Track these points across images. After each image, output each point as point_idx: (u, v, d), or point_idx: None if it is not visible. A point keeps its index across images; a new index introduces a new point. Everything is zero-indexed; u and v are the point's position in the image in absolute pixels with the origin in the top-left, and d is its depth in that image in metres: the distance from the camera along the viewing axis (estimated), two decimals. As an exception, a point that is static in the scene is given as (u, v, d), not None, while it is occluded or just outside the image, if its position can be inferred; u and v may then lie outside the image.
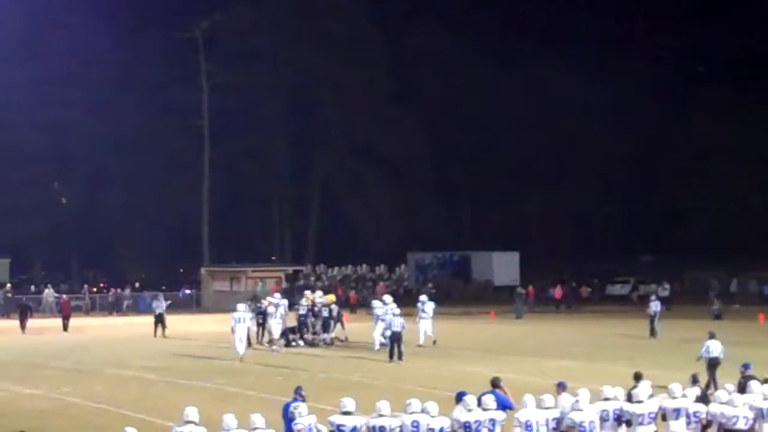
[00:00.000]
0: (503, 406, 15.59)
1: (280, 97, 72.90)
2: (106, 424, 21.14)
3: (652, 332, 39.24)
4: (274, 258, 72.44)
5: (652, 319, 39.49)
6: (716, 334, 25.40)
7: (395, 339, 31.71)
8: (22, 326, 43.92)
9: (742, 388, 16.93)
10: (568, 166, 76.77)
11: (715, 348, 24.73)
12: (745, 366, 19.53)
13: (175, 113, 67.90)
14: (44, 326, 45.80)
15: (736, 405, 15.58)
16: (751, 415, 15.58)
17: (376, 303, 35.73)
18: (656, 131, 77.65)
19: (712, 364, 24.43)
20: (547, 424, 14.98)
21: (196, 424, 13.96)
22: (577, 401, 15.36)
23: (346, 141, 72.55)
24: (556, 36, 75.77)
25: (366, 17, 72.87)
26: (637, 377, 17.76)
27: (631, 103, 76.22)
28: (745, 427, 15.47)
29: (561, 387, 16.53)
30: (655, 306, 39.82)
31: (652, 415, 15.52)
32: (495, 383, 16.76)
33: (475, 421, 14.81)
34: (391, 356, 31.45)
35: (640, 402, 15.63)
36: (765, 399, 16.00)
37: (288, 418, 15.20)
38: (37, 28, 65.62)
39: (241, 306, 33.88)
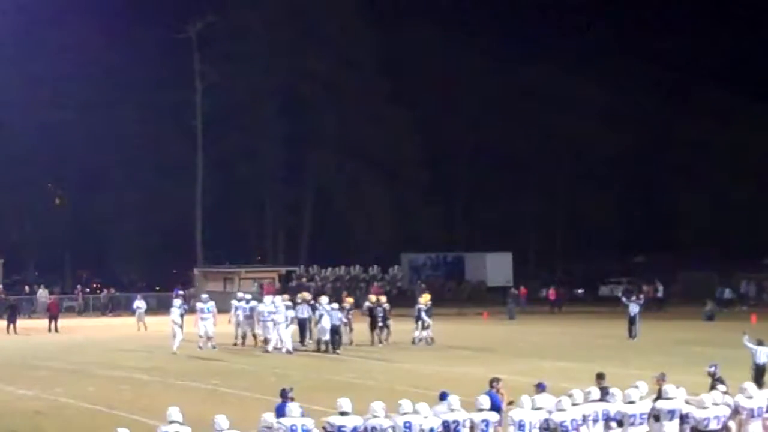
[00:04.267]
0: (496, 407, 15.63)
1: (274, 97, 72.81)
2: (99, 424, 21.09)
3: (631, 333, 39.32)
4: (259, 258, 72.46)
5: (632, 319, 39.60)
6: (765, 341, 25.00)
7: (335, 332, 34.19)
8: (13, 326, 43.76)
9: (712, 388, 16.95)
10: (563, 167, 76.78)
11: (763, 354, 24.45)
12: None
13: (169, 113, 67.78)
14: (36, 327, 45.72)
15: (706, 406, 15.56)
16: (724, 413, 15.56)
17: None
18: (651, 132, 77.64)
19: (759, 371, 24.13)
20: (540, 425, 15.01)
21: (180, 423, 13.92)
22: (560, 401, 15.37)
23: (340, 141, 72.45)
24: (551, 36, 75.74)
25: (360, 17, 72.81)
26: (600, 377, 17.65)
27: (626, 103, 76.18)
28: (718, 427, 15.49)
29: (540, 387, 16.54)
30: (634, 307, 39.90)
31: (644, 416, 15.54)
32: (492, 384, 16.84)
33: (453, 422, 14.83)
34: (334, 349, 33.92)
35: (632, 402, 15.64)
36: (749, 398, 16.02)
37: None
38: (30, 27, 65.45)
39: (177, 301, 36.66)
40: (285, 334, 34.71)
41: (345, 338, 36.15)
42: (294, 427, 14.19)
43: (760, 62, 75.06)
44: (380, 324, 36.84)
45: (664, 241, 76.21)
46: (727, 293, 58.06)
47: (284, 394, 16.09)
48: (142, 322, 45.03)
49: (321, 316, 34.70)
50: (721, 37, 76.36)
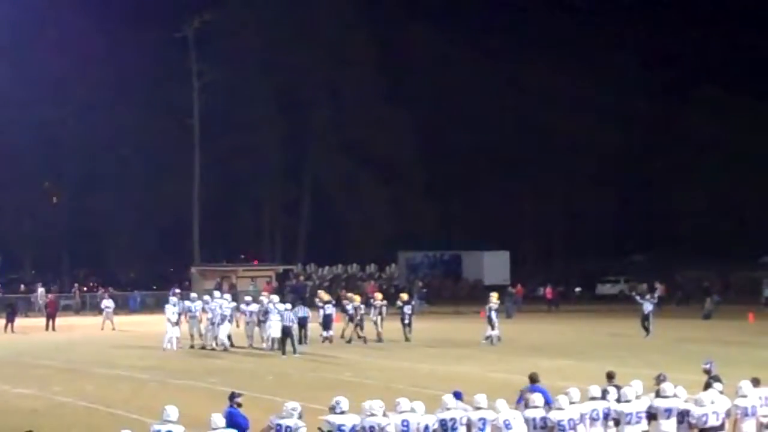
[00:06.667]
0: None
1: (272, 96, 72.80)
2: (97, 423, 21.09)
3: (647, 331, 39.32)
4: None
5: (645, 317, 39.61)
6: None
7: (286, 333, 33.19)
8: (10, 325, 43.76)
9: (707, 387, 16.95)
10: (560, 166, 76.84)
11: None
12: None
13: (166, 112, 67.77)
14: (34, 325, 45.69)
15: (703, 404, 15.57)
16: (722, 410, 15.58)
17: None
18: (650, 131, 77.74)
19: None
20: (527, 423, 14.98)
21: (174, 422, 13.91)
22: (556, 400, 15.37)
23: (338, 140, 72.51)
24: (548, 35, 75.80)
25: (358, 16, 72.84)
26: (610, 376, 17.65)
27: (623, 102, 76.27)
28: (717, 423, 15.50)
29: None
30: (647, 306, 39.95)
31: (641, 415, 15.55)
32: (533, 378, 17.01)
33: (451, 419, 14.84)
34: (283, 351, 32.77)
35: (628, 401, 15.64)
36: (744, 396, 16.05)
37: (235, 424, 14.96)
38: (27, 27, 65.41)
39: (173, 299, 36.82)
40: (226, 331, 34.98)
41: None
42: (279, 428, 14.16)
43: (760, 61, 75.12)
44: (406, 321, 37.63)
45: (662, 240, 76.25)
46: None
47: (231, 398, 15.70)
48: (109, 321, 44.74)
49: (266, 313, 34.42)
50: (720, 36, 76.42)
